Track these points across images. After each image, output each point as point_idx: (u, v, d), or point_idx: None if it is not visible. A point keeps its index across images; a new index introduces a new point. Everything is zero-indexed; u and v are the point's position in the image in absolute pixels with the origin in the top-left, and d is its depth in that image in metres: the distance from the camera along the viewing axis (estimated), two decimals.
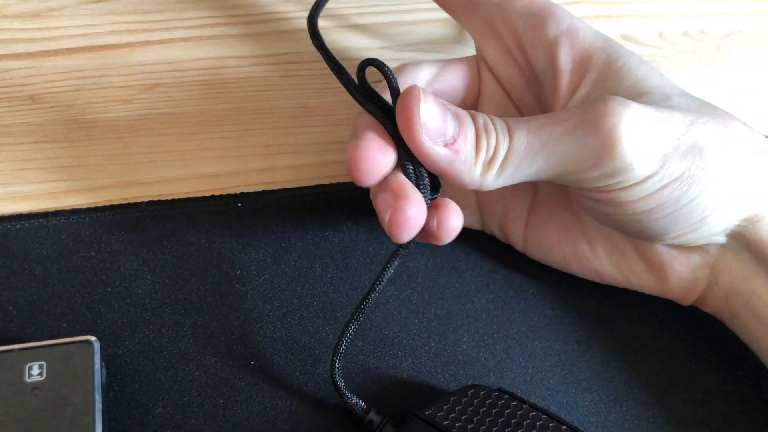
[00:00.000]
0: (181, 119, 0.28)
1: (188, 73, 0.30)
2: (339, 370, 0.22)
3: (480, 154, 0.20)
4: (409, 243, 0.21)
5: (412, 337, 0.25)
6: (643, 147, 0.20)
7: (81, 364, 0.21)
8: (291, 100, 0.30)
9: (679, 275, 0.24)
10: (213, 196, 0.27)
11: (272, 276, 0.26)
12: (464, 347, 0.25)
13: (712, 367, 0.27)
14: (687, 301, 0.25)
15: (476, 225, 0.27)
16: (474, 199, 0.27)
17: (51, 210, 0.26)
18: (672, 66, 0.36)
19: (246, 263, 0.26)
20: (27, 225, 0.25)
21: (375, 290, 0.21)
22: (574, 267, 0.26)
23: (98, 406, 0.20)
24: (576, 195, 0.24)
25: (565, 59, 0.23)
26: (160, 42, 0.30)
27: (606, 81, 0.22)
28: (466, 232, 0.25)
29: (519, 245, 0.27)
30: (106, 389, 0.22)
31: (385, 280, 0.21)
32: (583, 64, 0.23)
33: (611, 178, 0.20)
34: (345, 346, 0.22)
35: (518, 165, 0.20)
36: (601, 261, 0.25)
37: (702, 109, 0.22)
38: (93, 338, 0.21)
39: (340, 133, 0.30)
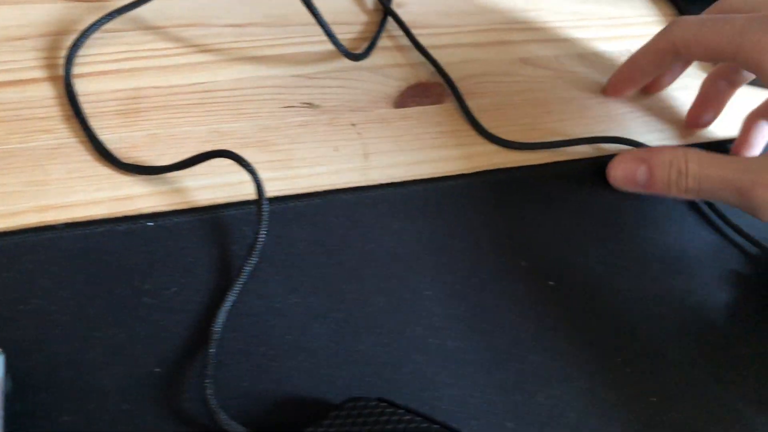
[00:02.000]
0: (98, 146, 0.30)
1: (107, 104, 0.32)
2: (213, 396, 0.23)
3: (673, 182, 0.31)
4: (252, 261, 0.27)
5: (311, 341, 0.27)
6: None
7: None
8: (204, 126, 0.32)
9: None
10: (126, 217, 0.29)
11: (180, 289, 0.27)
12: (362, 347, 0.27)
13: (594, 357, 0.29)
14: None
15: None
16: None
17: None
18: (567, 85, 0.38)
19: (156, 278, 0.27)
20: None
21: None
22: None
23: (0, 413, 0.22)
24: None
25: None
26: (80, 76, 0.32)
27: None
28: (354, 243, 0.27)
29: None
30: (11, 400, 0.23)
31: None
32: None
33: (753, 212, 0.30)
34: (212, 368, 0.24)
35: (711, 189, 0.30)
36: None
37: None
38: None
39: (252, 155, 0.31)
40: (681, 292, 0.31)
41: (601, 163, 0.34)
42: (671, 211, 0.34)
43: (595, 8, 0.43)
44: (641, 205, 0.34)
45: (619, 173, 0.33)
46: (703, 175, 0.30)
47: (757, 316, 0.31)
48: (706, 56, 0.32)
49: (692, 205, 0.34)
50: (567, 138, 0.35)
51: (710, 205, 0.34)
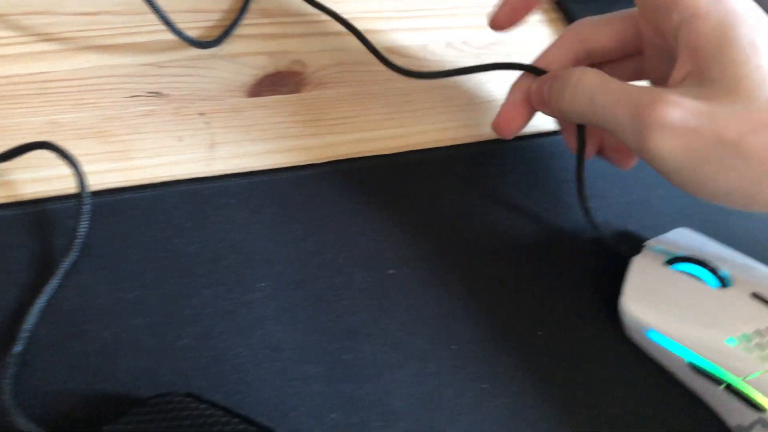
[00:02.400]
0: None
1: None
2: (9, 396, 0.23)
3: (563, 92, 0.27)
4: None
5: (132, 337, 0.26)
6: (676, 145, 0.23)
7: None
8: (41, 117, 0.31)
9: None
10: None
11: None
12: (185, 341, 0.27)
13: (428, 345, 0.29)
14: None
15: None
16: None
17: None
18: None
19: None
20: None
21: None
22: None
23: None
24: None
25: (682, 47, 0.25)
26: None
27: (708, 71, 0.24)
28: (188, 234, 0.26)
29: None
30: None
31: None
32: (692, 54, 0.24)
33: (650, 162, 0.24)
34: (14, 366, 0.23)
35: (581, 98, 0.26)
36: None
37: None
38: None
39: (89, 147, 0.31)
40: (517, 279, 0.31)
41: (450, 153, 0.34)
42: (517, 197, 0.34)
43: None
44: (487, 190, 0.34)
45: (534, 87, 0.31)
46: (601, 87, 0.26)
47: (592, 302, 0.31)
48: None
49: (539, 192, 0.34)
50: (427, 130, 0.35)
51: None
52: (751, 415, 0.27)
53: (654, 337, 0.28)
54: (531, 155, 0.37)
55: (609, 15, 0.31)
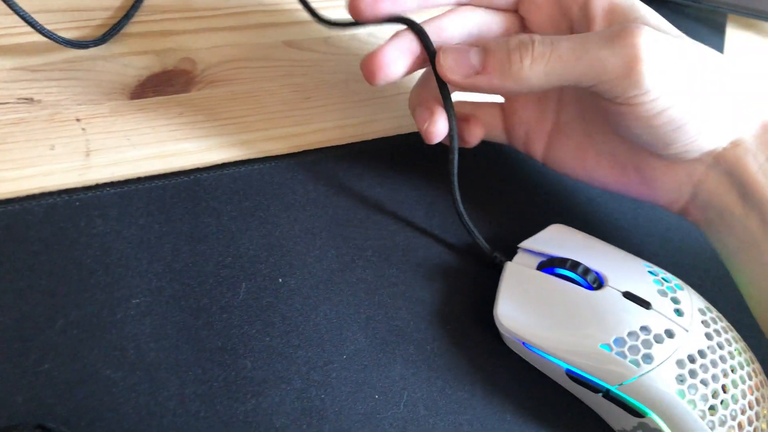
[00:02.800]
0: None
1: None
2: None
3: (517, 62, 0.25)
4: None
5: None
6: (661, 63, 0.23)
7: None
8: None
9: (667, 188, 0.29)
10: None
11: None
12: (47, 366, 0.25)
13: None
14: (674, 210, 0.30)
15: (504, 141, 0.33)
16: (501, 120, 0.32)
17: None
18: (336, 68, 0.36)
19: None
20: None
21: None
22: (584, 177, 0.31)
23: None
24: (604, 110, 0.26)
25: (597, 10, 0.27)
26: None
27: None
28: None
29: (539, 158, 0.32)
30: None
31: None
32: (611, 14, 0.27)
33: (635, 88, 0.24)
34: None
35: (563, 66, 0.24)
36: (606, 173, 0.30)
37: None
38: None
39: None
40: (410, 283, 0.30)
41: (347, 151, 0.33)
42: (409, 204, 0.33)
43: None
44: (385, 190, 0.33)
45: (449, 59, 0.26)
46: (557, 50, 0.24)
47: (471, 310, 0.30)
48: None
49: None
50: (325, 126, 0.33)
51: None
52: (632, 421, 0.26)
53: (530, 347, 0.27)
54: (433, 152, 0.35)
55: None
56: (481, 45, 0.26)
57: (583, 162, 0.31)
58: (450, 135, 0.29)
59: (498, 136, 0.33)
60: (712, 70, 0.25)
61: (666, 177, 0.29)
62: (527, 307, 0.28)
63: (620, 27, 0.24)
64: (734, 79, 0.26)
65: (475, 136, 0.31)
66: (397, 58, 0.27)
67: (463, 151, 0.33)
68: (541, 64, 0.24)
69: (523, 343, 0.28)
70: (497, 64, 0.25)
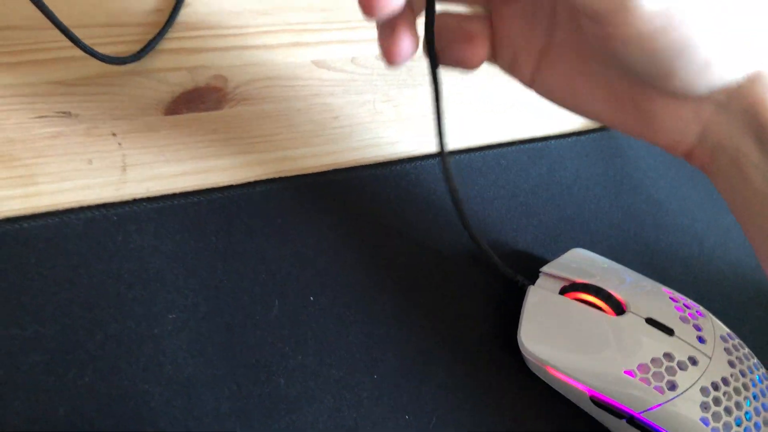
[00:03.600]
0: None
1: None
2: None
3: None
4: None
5: (27, 376, 0.25)
6: None
7: None
8: None
9: (669, 127, 0.25)
10: None
11: None
12: (86, 379, 0.25)
13: (346, 375, 0.27)
14: (676, 153, 0.26)
15: (489, 59, 0.28)
16: (487, 38, 0.28)
17: None
18: (363, 88, 0.37)
19: None
20: None
21: None
22: (575, 107, 0.27)
23: None
24: (593, 36, 0.23)
25: None
26: None
27: None
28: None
29: (526, 82, 0.28)
30: None
31: None
32: None
33: (619, 11, 0.20)
34: None
35: None
36: (600, 106, 0.26)
37: None
38: None
39: None
40: (437, 305, 0.31)
41: (377, 171, 0.34)
42: (437, 224, 0.34)
43: None
44: (415, 210, 0.33)
45: None
46: None
47: (496, 333, 0.31)
48: None
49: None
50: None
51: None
52: None
53: (554, 371, 0.28)
54: (457, 172, 0.36)
55: None
56: None
57: (574, 90, 0.27)
58: (432, 71, 0.27)
59: (485, 56, 0.28)
60: None
61: (669, 114, 0.25)
62: (551, 332, 0.29)
63: None
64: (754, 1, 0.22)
65: (478, 56, 0.27)
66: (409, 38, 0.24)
67: (484, 170, 0.33)
68: None
69: (547, 367, 0.28)
70: None
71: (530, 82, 0.28)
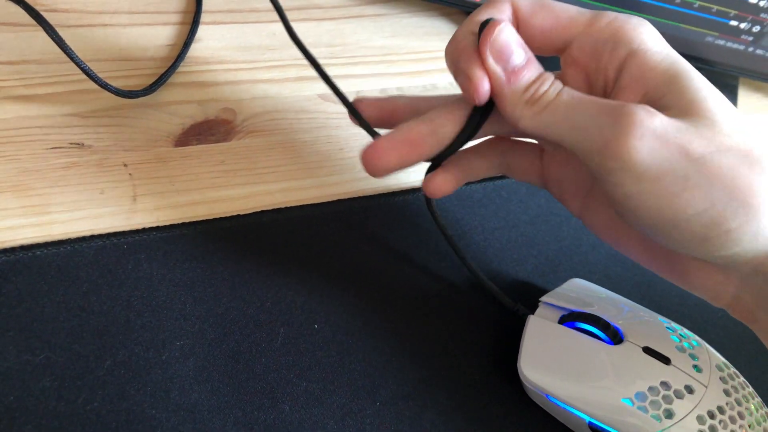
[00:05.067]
0: None
1: None
2: None
3: (528, 92, 0.23)
4: None
5: (37, 402, 0.25)
6: (651, 151, 0.21)
7: None
8: None
9: (704, 285, 0.26)
10: None
11: None
12: (95, 405, 0.26)
13: (350, 401, 0.28)
14: (717, 305, 0.26)
15: (541, 187, 0.30)
16: (539, 167, 0.30)
17: None
18: None
19: None
20: None
21: None
22: (619, 249, 0.29)
23: None
24: (605, 191, 0.24)
25: (627, 78, 0.24)
26: None
27: (661, 100, 0.23)
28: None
29: (575, 215, 0.29)
30: None
31: None
32: (642, 83, 0.23)
33: (612, 163, 0.21)
34: None
35: (554, 115, 0.23)
36: (638, 254, 0.28)
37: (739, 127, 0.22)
38: None
39: (5, 202, 0.30)
40: (438, 333, 0.31)
41: (383, 201, 0.34)
42: (439, 253, 0.34)
43: (403, 42, 0.44)
44: (418, 240, 0.34)
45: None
46: (574, 97, 0.23)
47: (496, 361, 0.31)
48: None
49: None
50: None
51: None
52: None
53: (554, 400, 0.29)
54: (459, 203, 0.37)
55: None
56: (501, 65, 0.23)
57: (616, 235, 0.28)
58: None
59: (535, 181, 0.30)
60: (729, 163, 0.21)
61: (702, 274, 0.26)
62: (550, 361, 0.29)
63: (622, 104, 0.22)
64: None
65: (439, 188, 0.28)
66: (401, 149, 0.25)
67: (484, 201, 0.34)
68: (539, 106, 0.23)
69: (547, 395, 0.29)
70: (509, 95, 0.24)
71: (580, 217, 0.30)
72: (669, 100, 0.23)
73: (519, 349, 0.30)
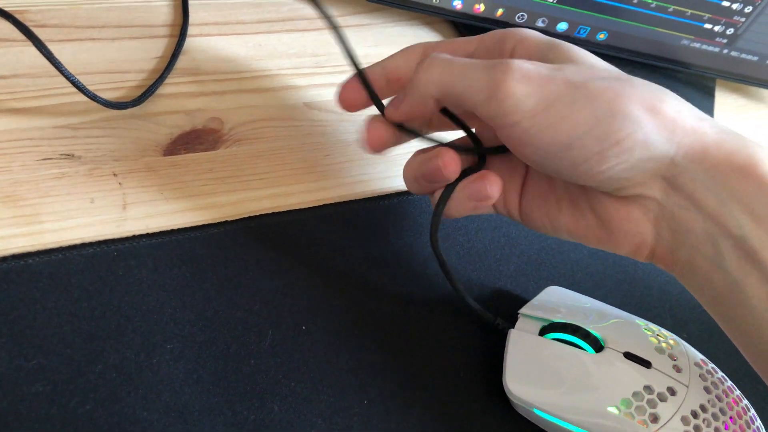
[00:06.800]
0: None
1: None
2: None
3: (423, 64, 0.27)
4: None
5: (29, 407, 0.26)
6: (531, 88, 0.24)
7: None
8: None
9: (626, 230, 0.27)
10: None
11: None
12: (87, 408, 0.26)
13: (339, 400, 0.28)
14: (641, 258, 0.28)
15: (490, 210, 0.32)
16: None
17: None
18: (352, 127, 0.39)
19: None
20: None
21: None
22: (551, 228, 0.30)
23: None
24: (510, 145, 0.27)
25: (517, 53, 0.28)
26: None
27: (544, 59, 0.27)
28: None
29: (516, 218, 0.31)
30: None
31: None
32: (527, 55, 0.28)
33: (498, 108, 0.25)
34: None
35: (451, 78, 0.26)
36: (567, 219, 0.29)
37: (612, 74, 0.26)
38: None
39: None
40: (420, 332, 0.32)
41: (366, 205, 0.35)
42: (424, 255, 0.35)
43: (386, 51, 0.44)
44: (403, 243, 0.35)
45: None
46: (452, 63, 0.26)
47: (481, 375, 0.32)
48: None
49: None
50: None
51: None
52: None
53: (540, 413, 0.29)
54: None
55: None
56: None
57: (547, 211, 0.30)
58: (436, 206, 0.30)
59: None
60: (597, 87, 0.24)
61: (623, 217, 0.27)
62: (535, 374, 0.30)
63: (500, 60, 0.25)
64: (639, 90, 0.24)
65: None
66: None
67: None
68: (437, 69, 0.26)
69: (534, 409, 0.30)
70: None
71: (520, 215, 0.31)
72: (550, 57, 0.27)
73: (503, 364, 0.30)
